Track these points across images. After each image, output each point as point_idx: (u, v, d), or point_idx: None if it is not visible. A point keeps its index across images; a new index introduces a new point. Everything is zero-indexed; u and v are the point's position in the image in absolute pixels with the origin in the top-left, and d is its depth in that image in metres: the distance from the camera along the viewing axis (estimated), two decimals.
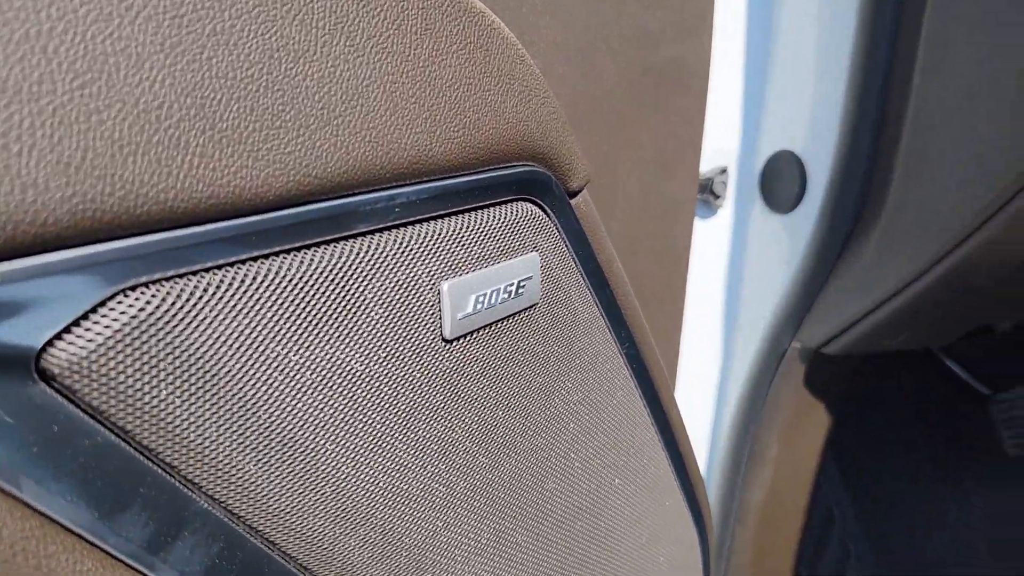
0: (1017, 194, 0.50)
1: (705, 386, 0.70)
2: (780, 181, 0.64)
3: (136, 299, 0.18)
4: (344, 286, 0.23)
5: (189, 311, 0.19)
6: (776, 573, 0.78)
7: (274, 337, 0.21)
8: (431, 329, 0.26)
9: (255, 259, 0.20)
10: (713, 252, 0.66)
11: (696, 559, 0.49)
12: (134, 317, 0.18)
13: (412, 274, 0.25)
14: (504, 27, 0.28)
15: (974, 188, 0.52)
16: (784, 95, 0.62)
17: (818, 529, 0.88)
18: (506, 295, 0.29)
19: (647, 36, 0.55)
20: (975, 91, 0.51)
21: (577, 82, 0.52)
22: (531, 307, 0.30)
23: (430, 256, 0.26)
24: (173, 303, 0.19)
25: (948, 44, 0.52)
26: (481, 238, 0.27)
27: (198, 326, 0.19)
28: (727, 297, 0.68)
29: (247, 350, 0.20)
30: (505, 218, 0.29)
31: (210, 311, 0.19)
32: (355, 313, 0.23)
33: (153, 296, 0.18)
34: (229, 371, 0.20)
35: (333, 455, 0.23)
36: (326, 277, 0.22)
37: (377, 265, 0.24)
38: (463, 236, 0.27)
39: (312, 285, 0.22)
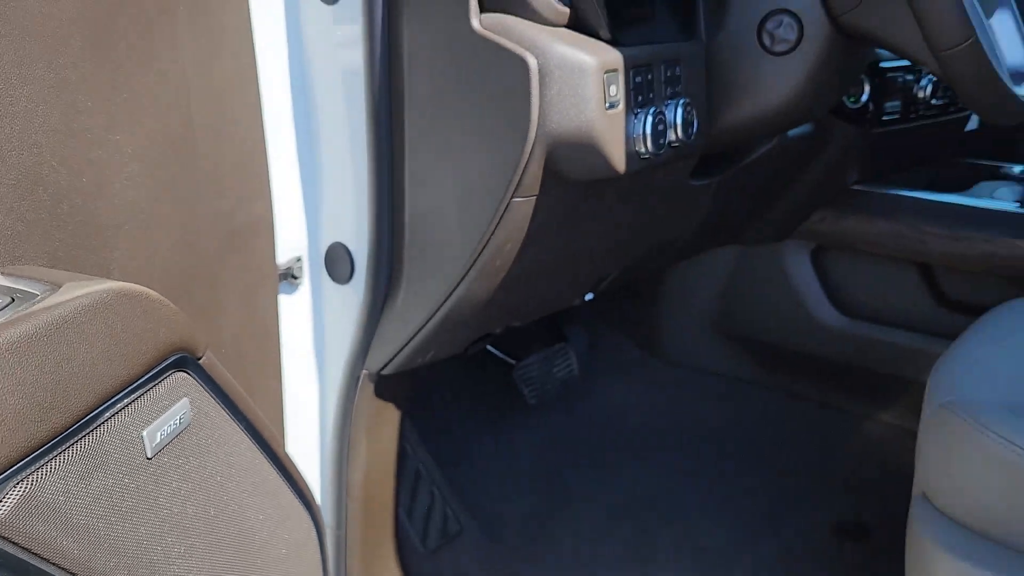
0: (475, 261, 0.83)
1: (309, 412, 0.97)
2: (338, 262, 0.91)
3: None
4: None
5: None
6: (383, 520, 1.08)
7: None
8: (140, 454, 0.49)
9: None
10: (299, 319, 0.93)
11: (311, 534, 0.76)
12: None
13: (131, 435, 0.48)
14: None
15: (454, 254, 0.84)
16: (332, 196, 0.90)
17: (410, 485, 1.20)
18: (174, 425, 0.53)
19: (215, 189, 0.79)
20: (449, 199, 0.82)
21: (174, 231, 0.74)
22: (187, 429, 0.55)
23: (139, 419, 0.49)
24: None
25: (423, 161, 0.83)
26: (158, 396, 0.51)
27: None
28: (315, 348, 0.96)
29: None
30: (167, 385, 0.52)
31: None
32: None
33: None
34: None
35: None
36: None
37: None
38: (148, 404, 0.51)
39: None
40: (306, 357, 0.95)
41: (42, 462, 0.44)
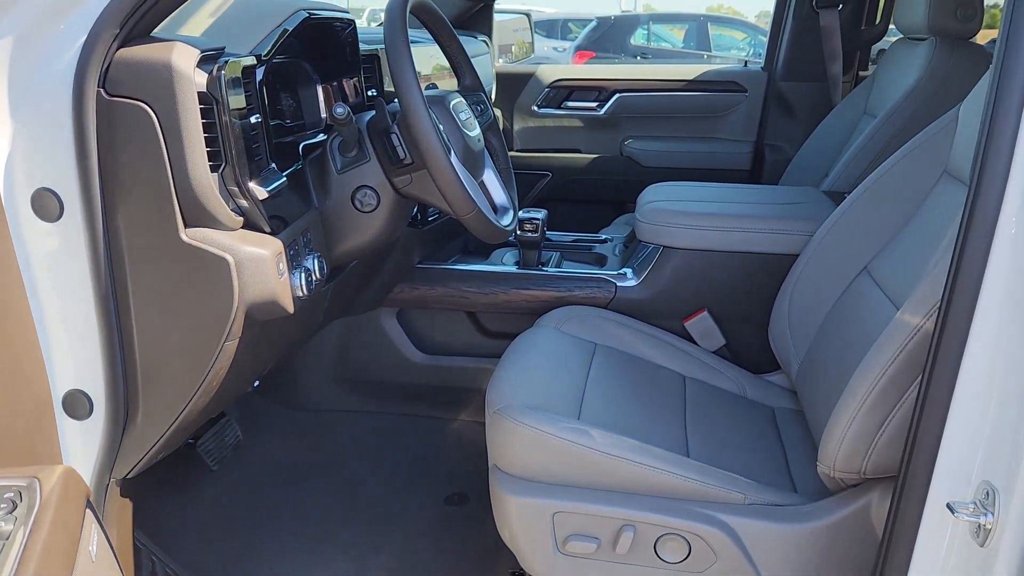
0: (200, 386, 1.22)
1: None
2: (76, 405, 1.23)
3: None
4: None
5: None
6: None
7: None
8: None
9: None
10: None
11: None
12: None
13: None
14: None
15: (184, 384, 1.22)
16: (69, 359, 1.21)
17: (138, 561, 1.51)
18: None
19: None
20: (176, 348, 1.20)
21: None
22: None
23: None
24: None
25: (150, 331, 1.19)
26: None
27: None
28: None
29: None
30: None
31: None
32: None
33: None
34: None
35: None
36: None
37: None
38: None
39: None
40: None
41: None
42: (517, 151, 2.98)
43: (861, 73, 2.85)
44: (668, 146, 2.90)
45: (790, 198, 2.00)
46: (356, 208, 1.42)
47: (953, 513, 0.93)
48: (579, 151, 2.97)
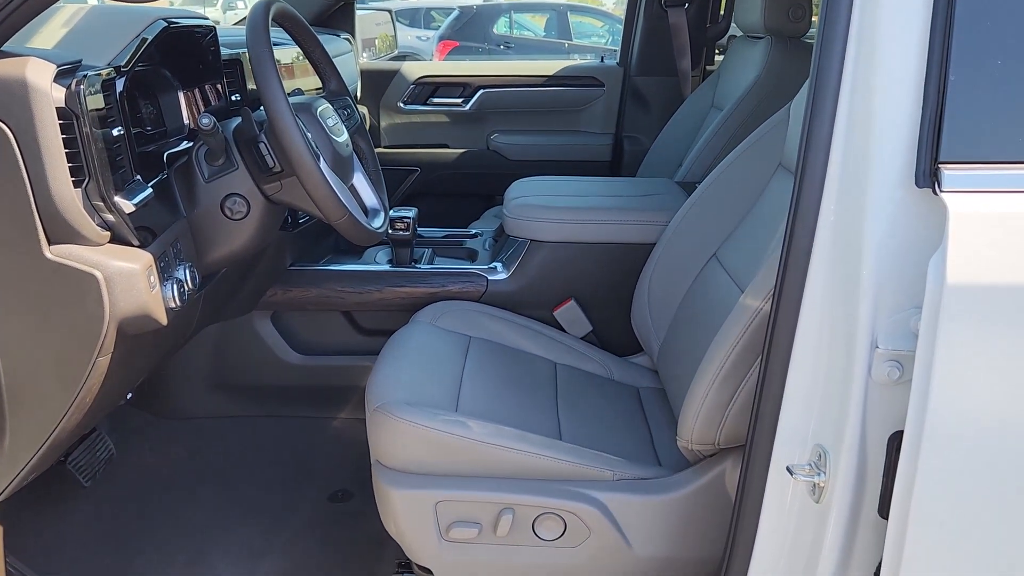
0: (73, 403, 1.20)
1: None
2: None
3: None
4: None
5: None
6: None
7: None
8: None
9: None
10: None
11: None
12: None
13: None
14: None
15: (55, 401, 1.20)
16: None
17: None
18: None
19: None
20: (46, 365, 1.18)
21: None
22: None
23: None
24: None
25: (16, 353, 1.17)
26: None
27: None
28: None
29: None
30: None
31: None
32: None
33: None
34: None
35: None
36: None
37: None
38: None
39: None
40: None
41: None
42: (385, 147, 3.01)
43: (708, 68, 3.03)
44: (532, 139, 2.99)
45: (646, 190, 2.13)
46: (226, 216, 1.42)
47: (792, 475, 1.05)
48: (447, 146, 3.02)
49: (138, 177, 1.24)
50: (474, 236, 2.25)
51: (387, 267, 1.99)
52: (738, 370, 1.28)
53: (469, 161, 3.00)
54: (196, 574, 1.67)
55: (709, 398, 1.31)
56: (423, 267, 1.99)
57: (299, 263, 1.98)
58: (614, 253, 1.92)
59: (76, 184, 1.10)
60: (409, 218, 1.94)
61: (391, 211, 1.89)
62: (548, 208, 1.95)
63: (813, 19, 2.26)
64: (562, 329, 1.93)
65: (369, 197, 1.59)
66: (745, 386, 1.29)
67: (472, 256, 2.12)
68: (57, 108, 1.07)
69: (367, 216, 1.55)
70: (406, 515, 1.38)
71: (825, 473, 1.02)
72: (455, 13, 9.88)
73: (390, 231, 1.95)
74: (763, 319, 1.22)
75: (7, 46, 1.11)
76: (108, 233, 1.18)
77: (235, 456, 2.00)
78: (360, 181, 1.58)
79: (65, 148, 1.08)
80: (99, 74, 1.15)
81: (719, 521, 1.36)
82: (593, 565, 1.40)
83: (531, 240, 1.95)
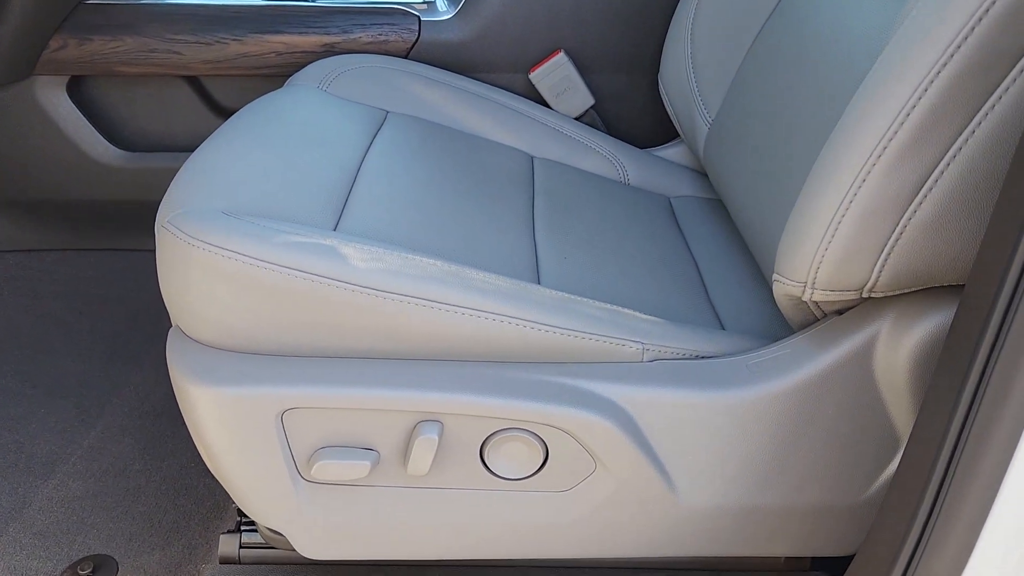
0: None
1: None
2: None
3: None
4: None
5: None
6: None
7: None
8: None
9: None
10: None
11: None
12: None
13: None
14: None
15: None
16: None
17: None
18: None
19: None
20: None
21: None
22: None
23: None
24: None
25: None
26: None
27: None
28: None
29: None
30: None
31: None
32: None
33: None
34: None
35: None
36: None
37: None
38: None
39: None
40: None
41: None
42: None
43: None
44: None
45: None
46: None
47: None
48: None
49: None
50: None
51: (257, 0, 1.21)
52: (926, 146, 0.56)
53: None
54: None
55: (862, 197, 0.60)
56: (317, 2, 1.22)
57: None
58: None
59: None
60: None
61: None
62: None
63: None
64: (544, 103, 1.18)
65: None
66: (949, 168, 0.57)
67: None
68: None
69: None
70: (227, 435, 0.69)
71: None
72: None
73: None
74: None
75: None
76: None
77: (42, 311, 1.29)
78: None
79: None
80: None
81: (864, 452, 0.68)
82: (595, 526, 0.73)
83: None
